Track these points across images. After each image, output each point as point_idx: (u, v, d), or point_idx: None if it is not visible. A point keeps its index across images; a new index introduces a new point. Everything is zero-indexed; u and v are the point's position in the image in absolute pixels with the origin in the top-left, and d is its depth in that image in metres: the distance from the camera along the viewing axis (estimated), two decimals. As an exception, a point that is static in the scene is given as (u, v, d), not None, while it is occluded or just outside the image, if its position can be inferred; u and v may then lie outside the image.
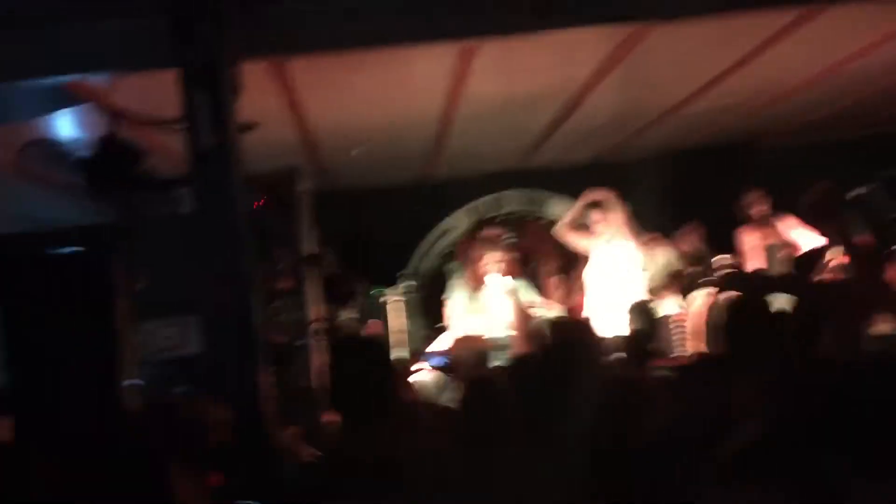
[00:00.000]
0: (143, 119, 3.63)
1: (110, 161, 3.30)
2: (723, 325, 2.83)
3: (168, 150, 4.45)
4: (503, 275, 5.40)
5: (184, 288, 3.49)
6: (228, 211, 3.25)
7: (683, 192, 6.99)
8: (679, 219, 6.85)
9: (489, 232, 6.52)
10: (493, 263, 5.44)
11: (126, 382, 4.08)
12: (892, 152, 7.06)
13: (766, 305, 2.95)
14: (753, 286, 4.88)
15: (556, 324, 3.69)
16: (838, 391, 1.64)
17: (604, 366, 3.09)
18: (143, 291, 4.55)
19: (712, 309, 3.50)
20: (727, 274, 5.82)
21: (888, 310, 3.40)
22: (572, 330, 3.38)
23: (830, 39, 4.50)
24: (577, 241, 6.17)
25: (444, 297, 6.06)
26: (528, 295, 5.58)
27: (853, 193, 6.23)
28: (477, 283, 5.57)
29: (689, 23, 3.77)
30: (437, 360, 3.49)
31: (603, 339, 3.53)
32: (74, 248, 3.44)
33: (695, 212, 6.87)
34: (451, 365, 3.53)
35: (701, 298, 5.28)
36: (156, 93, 3.48)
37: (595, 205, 5.96)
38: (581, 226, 6.09)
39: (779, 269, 6.16)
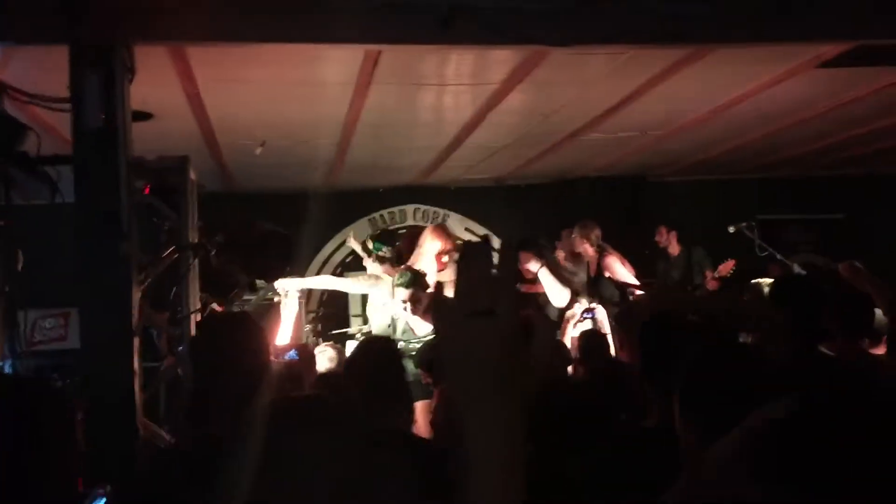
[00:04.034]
0: (28, 95, 3.50)
1: (-11, 134, 3.17)
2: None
3: (54, 131, 4.32)
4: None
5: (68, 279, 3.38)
6: (111, 195, 3.18)
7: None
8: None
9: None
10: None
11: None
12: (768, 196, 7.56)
13: None
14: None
15: None
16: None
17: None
18: (27, 279, 4.33)
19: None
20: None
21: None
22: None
23: (716, 80, 4.76)
24: None
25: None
26: None
27: (732, 228, 6.68)
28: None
29: (585, 52, 3.94)
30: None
31: None
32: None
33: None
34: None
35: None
36: (46, 70, 3.38)
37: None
38: None
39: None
